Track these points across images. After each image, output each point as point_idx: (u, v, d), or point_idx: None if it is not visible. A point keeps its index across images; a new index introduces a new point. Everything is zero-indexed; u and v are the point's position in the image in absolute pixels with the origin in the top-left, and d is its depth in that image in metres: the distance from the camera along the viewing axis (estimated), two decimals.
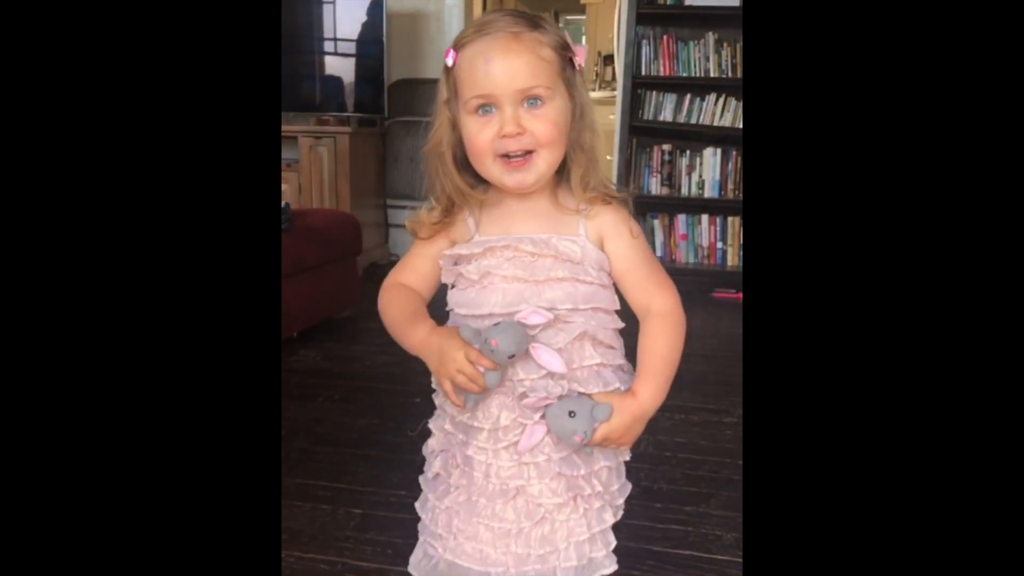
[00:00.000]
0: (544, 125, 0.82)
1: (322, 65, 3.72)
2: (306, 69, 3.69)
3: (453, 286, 0.92)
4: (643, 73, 3.55)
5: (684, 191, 3.64)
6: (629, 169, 3.65)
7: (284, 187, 3.57)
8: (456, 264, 0.90)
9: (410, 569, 0.97)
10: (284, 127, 3.63)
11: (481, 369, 0.82)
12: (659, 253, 3.71)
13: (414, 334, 0.89)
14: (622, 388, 0.89)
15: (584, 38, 6.33)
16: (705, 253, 3.69)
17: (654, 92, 3.59)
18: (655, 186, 3.66)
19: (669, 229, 3.71)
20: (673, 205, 3.66)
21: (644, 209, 3.69)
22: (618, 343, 0.92)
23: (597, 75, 6.16)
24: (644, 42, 3.53)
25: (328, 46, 3.71)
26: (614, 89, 5.84)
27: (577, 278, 0.86)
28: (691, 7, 3.47)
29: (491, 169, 0.85)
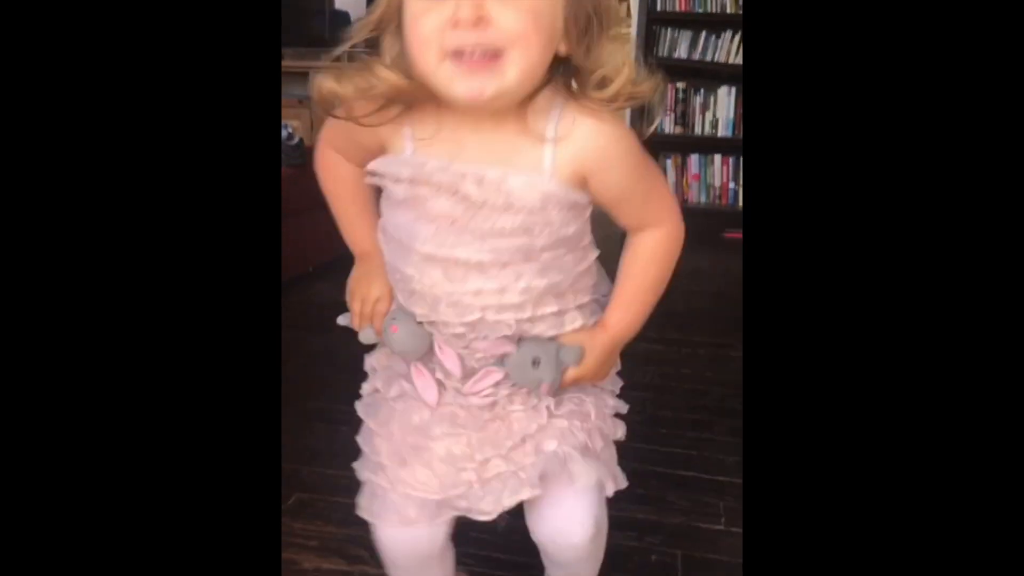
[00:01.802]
0: (516, 12, 0.58)
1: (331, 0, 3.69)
2: (315, 4, 3.65)
3: (382, 191, 0.74)
4: (658, 8, 3.49)
5: (697, 130, 3.61)
6: (642, 107, 3.62)
7: (296, 123, 3.58)
8: (382, 176, 0.72)
9: (361, 513, 0.82)
10: (295, 63, 3.61)
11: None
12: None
13: (354, 241, 0.81)
14: (591, 321, 0.77)
15: None
16: (717, 193, 3.69)
17: (669, 28, 3.54)
18: (668, 125, 3.64)
19: (682, 169, 3.70)
20: (686, 144, 3.64)
21: (657, 148, 3.68)
22: (589, 277, 0.76)
23: None
24: None
25: None
26: (628, 26, 5.74)
27: (532, 231, 0.68)
28: None
29: (436, 72, 0.61)
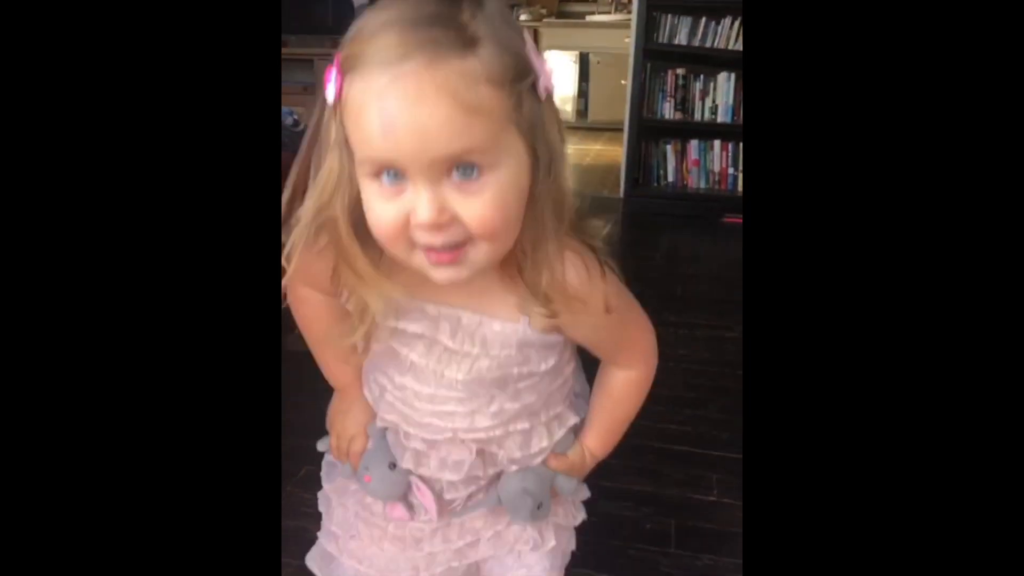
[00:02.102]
0: (483, 209, 0.54)
1: None
2: None
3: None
4: None
5: (697, 116, 3.64)
6: (643, 93, 3.65)
7: (300, 109, 3.61)
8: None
9: (307, 563, 0.85)
10: (299, 50, 3.64)
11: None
12: (671, 179, 3.75)
13: (332, 375, 0.78)
14: (559, 433, 0.75)
15: None
16: (716, 179, 3.72)
17: (669, 15, 3.56)
18: (668, 111, 3.66)
19: (681, 155, 3.73)
20: (686, 130, 3.67)
21: (657, 135, 3.71)
22: (564, 389, 0.75)
23: None
24: None
25: None
26: (630, 12, 5.74)
27: (510, 370, 0.67)
28: None
29: (408, 259, 0.58)
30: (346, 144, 0.56)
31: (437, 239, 0.54)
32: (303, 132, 2.70)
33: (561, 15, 5.95)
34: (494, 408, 0.70)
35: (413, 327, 0.66)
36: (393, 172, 0.54)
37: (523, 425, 0.72)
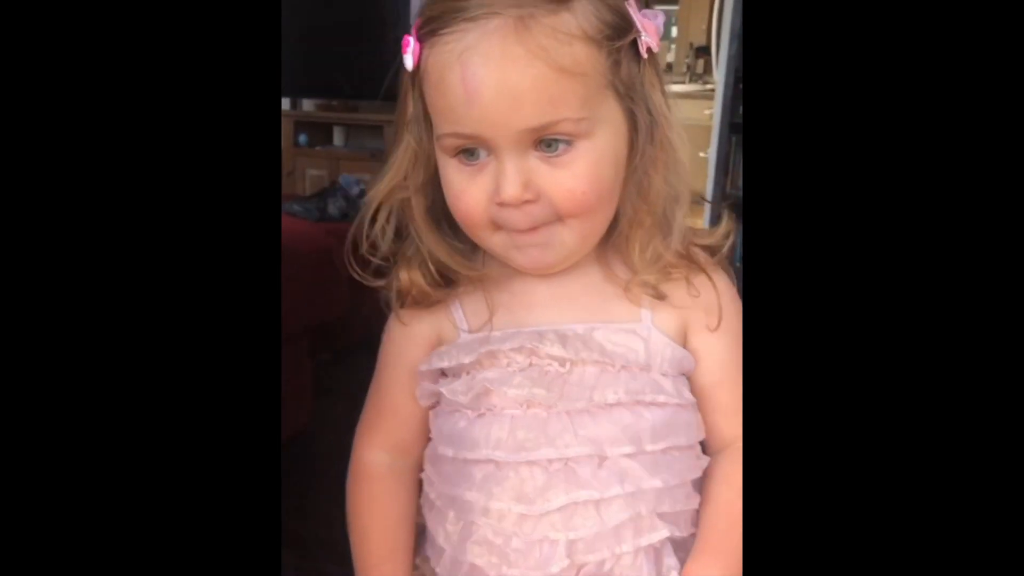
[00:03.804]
0: (573, 182, 0.49)
1: None
2: (389, 57, 3.62)
3: (436, 405, 0.59)
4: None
5: None
6: (727, 169, 3.45)
7: (368, 178, 3.53)
8: (436, 383, 0.57)
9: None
10: (370, 115, 3.58)
11: None
12: None
13: None
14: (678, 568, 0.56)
15: (675, 28, 6.05)
16: None
17: None
18: None
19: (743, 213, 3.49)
20: None
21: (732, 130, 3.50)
22: (698, 491, 0.58)
23: (688, 68, 5.93)
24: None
25: None
26: (706, 83, 5.61)
27: (641, 398, 0.53)
28: None
29: (490, 242, 0.53)
30: (424, 118, 0.52)
31: (522, 219, 0.49)
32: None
33: None
34: (628, 488, 0.52)
35: (507, 346, 0.54)
36: (474, 149, 0.49)
37: (660, 535, 0.53)
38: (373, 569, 0.60)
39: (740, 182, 3.47)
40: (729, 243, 0.57)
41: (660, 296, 0.54)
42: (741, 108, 3.41)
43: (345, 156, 3.56)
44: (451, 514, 0.57)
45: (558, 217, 0.50)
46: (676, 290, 0.55)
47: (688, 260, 0.55)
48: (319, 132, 3.70)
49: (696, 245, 0.57)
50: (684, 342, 0.56)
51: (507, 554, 0.53)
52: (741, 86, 3.38)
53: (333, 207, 2.47)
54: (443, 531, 0.58)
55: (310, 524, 1.50)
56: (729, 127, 3.40)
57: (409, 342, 0.59)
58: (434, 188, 0.53)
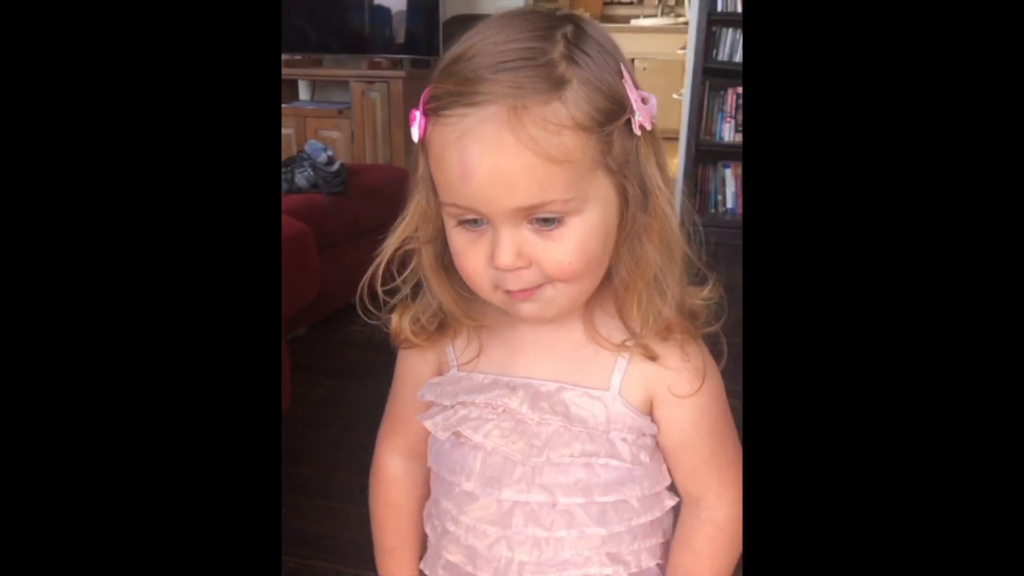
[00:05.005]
0: (562, 255, 0.52)
1: None
2: (351, 5, 3.47)
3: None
4: (719, 9, 3.27)
5: None
6: (700, 113, 3.41)
7: (336, 134, 3.44)
8: (428, 409, 0.64)
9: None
10: (335, 70, 3.47)
11: None
12: (730, 204, 3.49)
13: (387, 572, 0.72)
14: None
15: None
16: None
17: (730, 30, 3.31)
18: (728, 132, 3.42)
19: (742, 179, 3.47)
20: None
21: (716, 157, 3.46)
22: (658, 534, 0.64)
23: (660, 1, 5.83)
24: None
25: None
26: (679, 15, 5.50)
27: (594, 460, 0.58)
28: None
29: (492, 298, 0.57)
30: (431, 182, 0.55)
31: (515, 282, 0.54)
32: (339, 172, 2.45)
33: (605, 19, 5.74)
34: (574, 533, 0.60)
35: (483, 394, 0.60)
36: (473, 218, 0.53)
37: (605, 571, 0.61)
38: (387, 553, 0.72)
39: (715, 128, 3.44)
40: (713, 307, 0.60)
41: (653, 356, 0.58)
42: (715, 51, 3.35)
43: (312, 114, 3.46)
44: (434, 515, 0.68)
45: (549, 280, 0.54)
46: (644, 360, 0.58)
47: (681, 325, 0.58)
48: (285, 88, 3.59)
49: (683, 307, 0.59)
50: (650, 407, 0.60)
51: (474, 559, 0.63)
52: (714, 28, 3.33)
53: (301, 178, 2.36)
54: (430, 526, 0.69)
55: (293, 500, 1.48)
56: (703, 71, 3.35)
57: (417, 359, 0.66)
58: (443, 241, 0.58)
